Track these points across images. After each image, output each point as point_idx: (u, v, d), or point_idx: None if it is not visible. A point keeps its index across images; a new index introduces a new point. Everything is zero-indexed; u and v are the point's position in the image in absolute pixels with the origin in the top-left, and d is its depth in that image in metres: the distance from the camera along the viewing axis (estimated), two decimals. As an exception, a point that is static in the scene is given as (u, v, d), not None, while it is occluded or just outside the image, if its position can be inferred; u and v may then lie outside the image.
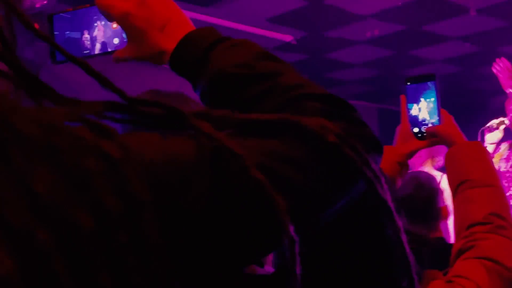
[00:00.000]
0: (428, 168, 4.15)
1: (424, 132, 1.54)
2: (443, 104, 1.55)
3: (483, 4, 4.65)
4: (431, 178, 2.50)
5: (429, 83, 1.55)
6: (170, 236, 0.46)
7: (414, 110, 1.56)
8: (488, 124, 4.28)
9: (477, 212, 1.32)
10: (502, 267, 1.20)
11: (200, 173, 0.52)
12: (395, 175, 1.54)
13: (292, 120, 0.59)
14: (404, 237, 0.64)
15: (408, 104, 1.56)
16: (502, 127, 4.25)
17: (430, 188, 2.40)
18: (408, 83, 1.57)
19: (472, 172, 1.40)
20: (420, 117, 1.55)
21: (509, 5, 4.66)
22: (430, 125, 1.53)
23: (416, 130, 1.55)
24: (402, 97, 1.57)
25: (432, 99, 1.54)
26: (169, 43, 0.77)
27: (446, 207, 2.43)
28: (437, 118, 1.53)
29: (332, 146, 0.59)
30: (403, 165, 1.55)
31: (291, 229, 0.53)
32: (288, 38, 5.26)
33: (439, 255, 1.26)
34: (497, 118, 4.53)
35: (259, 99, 0.68)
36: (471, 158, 1.43)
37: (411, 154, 1.55)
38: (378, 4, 4.66)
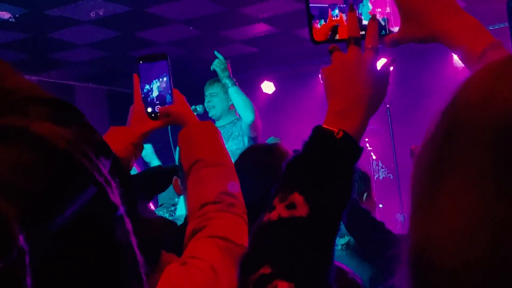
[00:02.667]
0: None
1: (158, 112, 1.53)
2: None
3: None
4: None
5: (161, 62, 1.54)
6: None
7: (147, 90, 1.54)
8: None
9: (209, 191, 1.35)
10: (232, 244, 1.24)
11: None
12: (129, 156, 1.51)
13: (19, 126, 0.57)
14: (133, 240, 0.66)
15: (141, 84, 1.54)
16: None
17: None
18: (141, 62, 1.54)
19: (204, 152, 1.43)
20: (153, 97, 1.54)
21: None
22: (163, 105, 1.53)
23: (149, 110, 1.53)
24: (135, 76, 1.54)
25: (165, 78, 1.54)
26: None
27: None
28: (170, 97, 1.53)
29: (63, 152, 0.59)
30: (137, 146, 1.53)
31: (21, 238, 0.50)
32: (5, 15, 4.87)
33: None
34: None
35: None
36: (203, 138, 1.46)
37: (145, 135, 1.54)
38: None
